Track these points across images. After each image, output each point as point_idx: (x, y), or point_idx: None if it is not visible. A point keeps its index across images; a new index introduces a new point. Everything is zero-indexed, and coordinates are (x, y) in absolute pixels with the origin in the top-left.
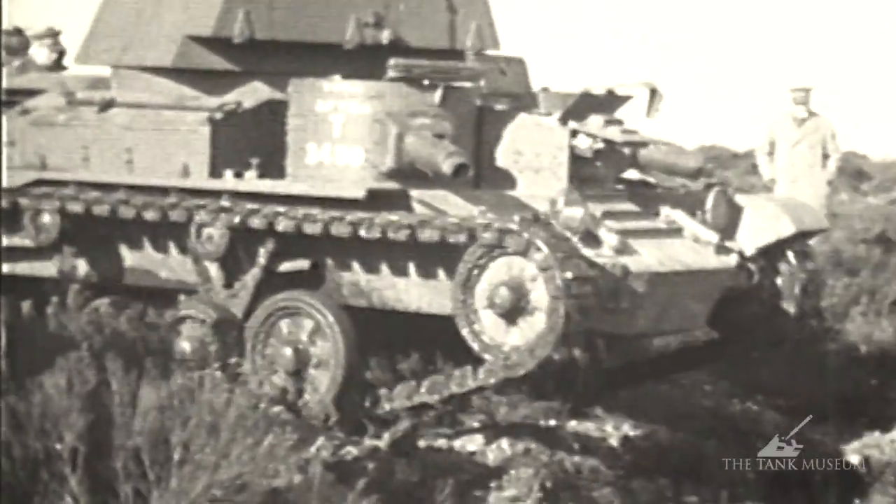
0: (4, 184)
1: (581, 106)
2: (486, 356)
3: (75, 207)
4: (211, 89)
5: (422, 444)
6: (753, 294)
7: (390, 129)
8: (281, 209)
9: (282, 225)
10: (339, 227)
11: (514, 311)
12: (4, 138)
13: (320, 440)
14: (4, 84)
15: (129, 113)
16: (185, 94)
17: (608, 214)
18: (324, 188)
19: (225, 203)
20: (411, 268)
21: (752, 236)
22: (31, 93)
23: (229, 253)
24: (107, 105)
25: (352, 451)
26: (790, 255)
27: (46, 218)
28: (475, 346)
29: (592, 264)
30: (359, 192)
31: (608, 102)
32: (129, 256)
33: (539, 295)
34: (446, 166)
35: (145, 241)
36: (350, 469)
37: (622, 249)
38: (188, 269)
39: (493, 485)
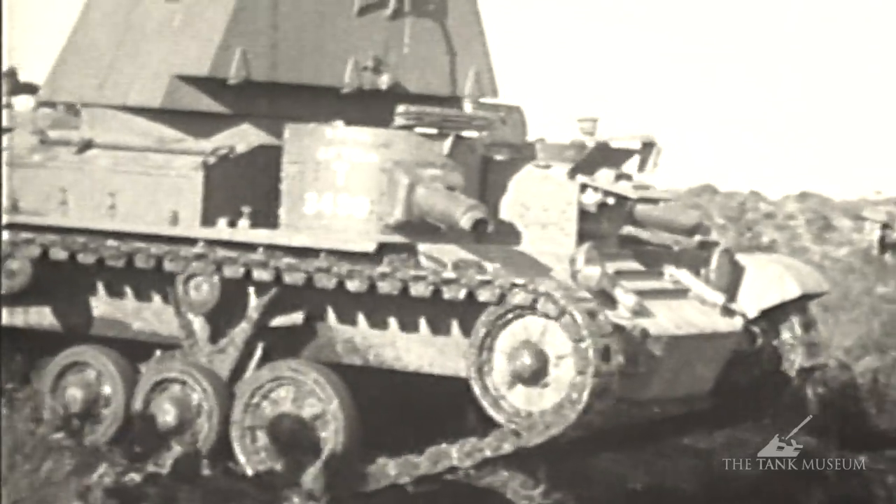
0: None
1: (591, 159)
2: (503, 421)
3: (59, 254)
4: (197, 131)
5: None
6: (754, 357)
7: (400, 179)
8: (289, 261)
9: (291, 278)
10: (355, 281)
11: (535, 376)
12: None
13: (102, 467)
14: None
15: (110, 155)
16: (166, 135)
17: (619, 274)
18: (331, 240)
19: (229, 254)
20: (413, 324)
21: (755, 298)
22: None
23: (218, 305)
24: (85, 146)
25: (135, 477)
26: (793, 318)
27: (16, 265)
28: (492, 411)
29: (616, 327)
30: (369, 246)
31: (616, 156)
32: (99, 305)
33: (564, 360)
34: (465, 221)
35: (119, 290)
36: (132, 495)
37: (639, 311)
38: (164, 321)
39: None
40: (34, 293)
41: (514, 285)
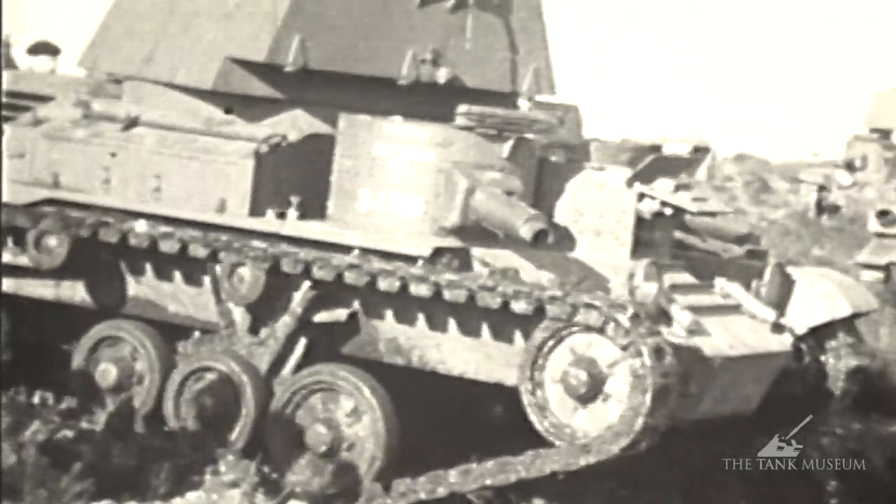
0: (7, 199)
1: (649, 168)
2: (556, 440)
3: (109, 237)
4: (246, 114)
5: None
6: (799, 373)
7: (459, 182)
8: (351, 261)
9: (353, 279)
10: (420, 286)
11: (591, 394)
12: (5, 149)
13: (35, 424)
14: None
15: (157, 135)
16: (215, 116)
17: (673, 288)
18: (385, 241)
19: (286, 249)
20: (460, 327)
21: (805, 315)
22: (34, 98)
23: (261, 297)
24: (131, 123)
25: (67, 434)
26: (841, 336)
27: (53, 241)
28: (543, 428)
29: (673, 348)
30: (424, 250)
31: (674, 164)
32: (134, 285)
33: (620, 379)
34: (525, 231)
35: (156, 272)
36: (66, 452)
37: (695, 330)
38: (201, 305)
39: (209, 469)
40: (69, 269)
41: (588, 305)
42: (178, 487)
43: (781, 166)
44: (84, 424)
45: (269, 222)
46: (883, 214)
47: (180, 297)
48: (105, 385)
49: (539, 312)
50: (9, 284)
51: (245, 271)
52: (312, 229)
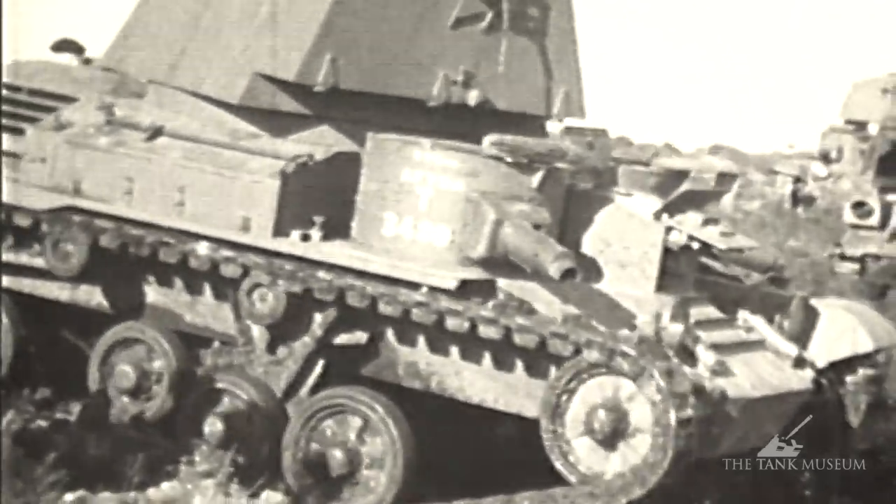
0: (25, 203)
1: (678, 201)
2: (575, 481)
3: (142, 251)
4: (272, 128)
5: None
6: (817, 406)
7: (487, 213)
8: (384, 291)
9: (387, 309)
10: (456, 321)
11: (613, 436)
12: (25, 152)
13: (10, 414)
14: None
15: (181, 147)
16: (241, 128)
17: (699, 324)
18: (411, 272)
19: (312, 273)
20: (482, 356)
21: (826, 349)
22: (55, 97)
23: (281, 318)
24: (156, 133)
25: (42, 424)
26: (861, 371)
27: (70, 247)
28: (564, 469)
29: (698, 391)
30: (450, 283)
31: (702, 197)
32: (152, 293)
33: (643, 419)
34: (554, 270)
35: (174, 281)
36: (40, 443)
37: (719, 371)
38: (219, 318)
39: (183, 459)
40: (87, 274)
41: (618, 351)
42: (153, 478)
43: (757, 158)
44: (59, 415)
45: (293, 244)
46: (858, 206)
47: (198, 308)
48: (123, 387)
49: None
50: (23, 284)
51: (267, 291)
52: (337, 253)
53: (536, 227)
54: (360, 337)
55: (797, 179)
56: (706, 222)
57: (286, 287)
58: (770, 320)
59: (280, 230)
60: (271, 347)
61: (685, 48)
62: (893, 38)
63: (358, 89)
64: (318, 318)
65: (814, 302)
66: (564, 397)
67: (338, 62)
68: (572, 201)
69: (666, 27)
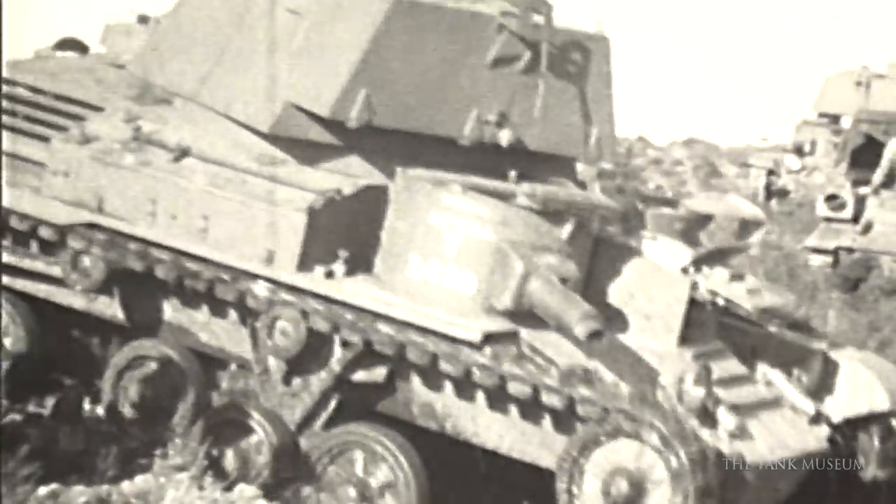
0: (48, 217)
1: (706, 257)
2: None
3: (166, 273)
4: (301, 156)
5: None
6: (830, 461)
7: (515, 265)
8: (414, 339)
9: (415, 357)
10: (482, 375)
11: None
12: (49, 164)
13: None
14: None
15: (208, 171)
16: (269, 152)
17: (719, 382)
18: (436, 321)
19: (342, 314)
20: (500, 404)
21: (842, 404)
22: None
23: (300, 353)
24: (182, 154)
25: (16, 418)
26: (874, 428)
27: (88, 262)
28: None
29: (718, 458)
30: (474, 335)
31: (730, 253)
32: (169, 310)
33: (661, 490)
34: (580, 330)
35: (192, 301)
36: (13, 436)
37: (738, 434)
38: (235, 340)
39: (157, 452)
40: (104, 289)
41: (621, 411)
42: (126, 471)
43: (731, 151)
44: (32, 408)
45: (317, 281)
46: (831, 199)
47: (214, 329)
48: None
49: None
50: (39, 290)
51: (288, 326)
52: (361, 294)
53: (563, 280)
54: (379, 374)
55: (771, 172)
56: (733, 278)
57: (310, 324)
58: (788, 371)
59: (304, 264)
60: (287, 378)
61: (658, 42)
62: (866, 32)
63: (391, 126)
64: (337, 353)
65: (833, 354)
66: (583, 459)
67: (372, 99)
68: (600, 250)
69: (640, 21)
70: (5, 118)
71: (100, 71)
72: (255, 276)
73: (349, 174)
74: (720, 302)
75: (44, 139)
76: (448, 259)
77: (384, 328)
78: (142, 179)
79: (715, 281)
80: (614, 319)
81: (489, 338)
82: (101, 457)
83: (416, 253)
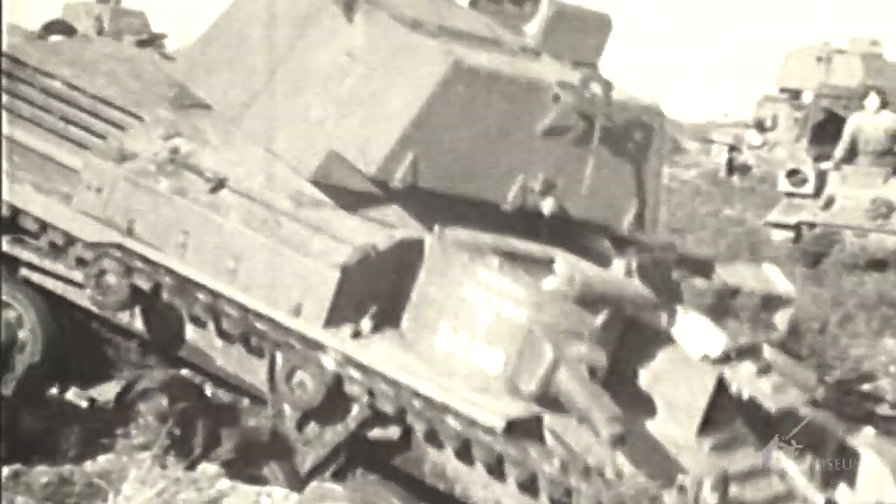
0: (76, 232)
1: (739, 349)
2: None
3: (201, 313)
4: (339, 199)
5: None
6: None
7: (545, 351)
8: (435, 413)
9: (445, 436)
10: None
11: None
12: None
13: None
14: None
15: (242, 208)
16: (307, 191)
17: (734, 477)
18: (461, 402)
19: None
20: (513, 478)
21: (852, 493)
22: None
23: (317, 407)
24: (219, 185)
25: None
26: None
27: (112, 281)
28: None
29: None
30: (498, 423)
31: (761, 348)
32: (190, 332)
33: None
34: (604, 433)
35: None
36: None
37: None
38: (249, 370)
39: (119, 432)
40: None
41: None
42: (89, 451)
43: (692, 126)
44: None
45: (343, 340)
46: (793, 174)
47: (232, 356)
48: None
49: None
50: (57, 287)
51: (307, 378)
52: (387, 360)
53: (592, 371)
54: (394, 433)
55: (732, 148)
56: (760, 373)
57: (312, 372)
58: (803, 452)
59: (332, 320)
60: (301, 425)
61: (619, 13)
62: (827, 6)
63: (435, 189)
64: (354, 410)
65: (851, 440)
66: None
67: (419, 162)
68: (630, 331)
69: None
70: (38, 113)
71: (137, 62)
72: (286, 329)
73: (386, 223)
74: (745, 396)
75: (78, 143)
76: (478, 335)
77: (416, 403)
78: (175, 209)
79: (741, 375)
80: (636, 400)
81: (512, 424)
82: (63, 437)
83: (446, 323)
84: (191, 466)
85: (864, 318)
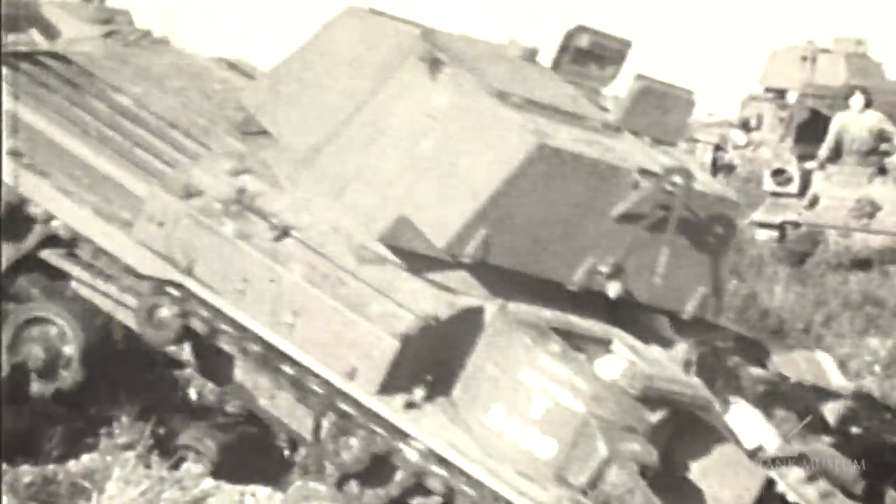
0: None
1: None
2: None
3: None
4: (404, 260)
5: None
6: None
7: (599, 447)
8: (471, 492)
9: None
10: None
11: None
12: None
13: None
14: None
15: (305, 260)
16: (370, 248)
17: None
18: (509, 489)
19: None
20: None
21: None
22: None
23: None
24: (283, 233)
25: None
26: None
27: (165, 316)
28: None
29: None
30: None
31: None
32: (239, 372)
33: None
34: None
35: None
36: None
37: None
38: (293, 416)
39: (103, 431)
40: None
41: None
42: (72, 451)
43: None
44: None
45: (396, 411)
46: (778, 173)
47: (278, 400)
48: None
49: None
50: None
51: (354, 441)
52: (436, 436)
53: (643, 469)
54: (436, 501)
55: (717, 147)
56: (809, 479)
57: (362, 437)
58: None
59: (386, 388)
60: (340, 483)
61: (603, 15)
62: (812, 6)
63: (503, 266)
64: (398, 477)
65: None
66: None
67: (491, 239)
68: (683, 421)
69: None
70: (104, 131)
71: (206, 79)
72: (338, 392)
73: (448, 288)
74: (790, 500)
75: (143, 168)
76: (532, 420)
77: (465, 487)
78: (237, 253)
79: (790, 481)
80: (682, 492)
81: None
82: (46, 437)
83: (500, 404)
84: (175, 465)
85: (848, 318)
